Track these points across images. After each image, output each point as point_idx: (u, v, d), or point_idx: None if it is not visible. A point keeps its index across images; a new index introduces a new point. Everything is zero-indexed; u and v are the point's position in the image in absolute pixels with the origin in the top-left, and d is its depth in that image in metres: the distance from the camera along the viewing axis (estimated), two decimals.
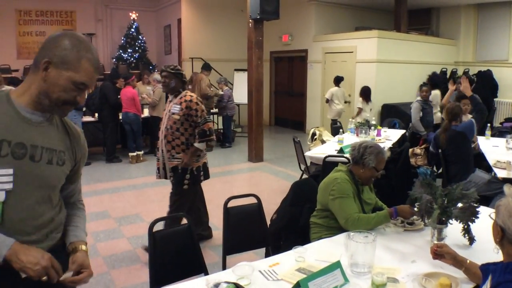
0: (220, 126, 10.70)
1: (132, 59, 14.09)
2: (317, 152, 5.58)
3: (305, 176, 5.90)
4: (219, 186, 6.54)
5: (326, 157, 4.72)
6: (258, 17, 8.07)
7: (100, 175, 7.65)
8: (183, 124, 4.16)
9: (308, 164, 5.72)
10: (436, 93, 8.16)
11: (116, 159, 8.54)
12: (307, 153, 5.62)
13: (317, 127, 7.38)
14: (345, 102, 9.68)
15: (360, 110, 8.82)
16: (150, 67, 14.00)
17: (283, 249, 2.97)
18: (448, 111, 5.00)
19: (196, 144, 4.16)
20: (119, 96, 8.25)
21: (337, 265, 2.18)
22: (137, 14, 14.48)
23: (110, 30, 15.52)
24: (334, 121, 8.82)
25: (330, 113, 9.30)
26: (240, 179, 7.57)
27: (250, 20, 8.34)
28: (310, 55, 12.09)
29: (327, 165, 4.47)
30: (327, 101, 9.31)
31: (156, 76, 8.89)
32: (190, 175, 4.25)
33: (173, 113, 4.18)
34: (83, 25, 15.00)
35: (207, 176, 4.45)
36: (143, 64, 13.98)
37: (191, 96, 4.21)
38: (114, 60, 14.52)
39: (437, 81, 8.55)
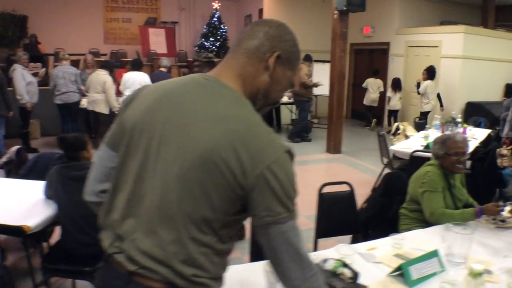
0: (294, 117, 10.82)
1: (213, 47, 14.49)
2: (401, 146, 5.63)
3: (387, 170, 5.96)
4: (298, 175, 6.64)
5: (413, 152, 4.77)
6: (344, 8, 8.10)
7: None
8: None
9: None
10: None
11: None
12: (392, 147, 5.68)
13: (401, 122, 7.37)
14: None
15: (389, 99, 10.73)
16: None
17: (370, 238, 3.11)
18: None
19: None
20: None
21: (435, 254, 2.30)
22: (219, 4, 14.85)
23: (193, 19, 16.03)
24: (421, 117, 8.80)
25: (425, 107, 9.29)
26: (318, 169, 7.70)
27: (336, 12, 8.38)
28: (392, 48, 11.95)
29: (415, 160, 4.53)
30: (419, 93, 9.30)
31: None
32: None
33: None
34: (167, 14, 15.61)
35: None
36: (223, 53, 14.35)
37: None
38: (196, 48, 15.00)
39: None
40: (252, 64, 1.39)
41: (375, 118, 11.55)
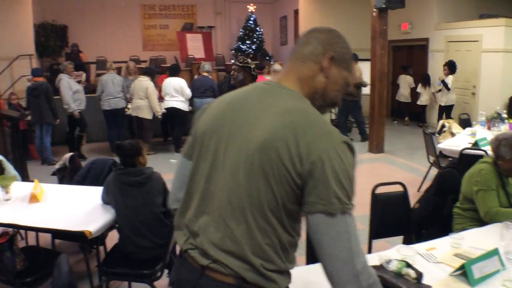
0: (333, 117, 10.78)
1: (250, 50, 14.57)
2: (448, 144, 5.53)
3: (433, 169, 5.88)
4: None
5: (463, 149, 4.68)
6: (383, 6, 8.02)
7: None
8: None
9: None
10: None
11: None
12: (440, 145, 5.57)
13: (447, 120, 7.24)
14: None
15: (419, 94, 10.96)
16: (267, 58, 14.40)
17: (424, 238, 3.08)
18: None
19: None
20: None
21: (495, 252, 2.27)
22: (254, 7, 14.92)
23: (229, 23, 16.17)
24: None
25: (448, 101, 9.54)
26: (362, 169, 7.60)
27: (375, 9, 8.30)
28: (431, 44, 11.73)
29: (464, 158, 4.45)
30: (448, 89, 9.39)
31: (276, 66, 9.18)
32: None
33: None
34: (203, 18, 15.79)
35: None
36: (260, 55, 14.40)
37: None
38: (233, 51, 15.11)
39: None
40: (308, 67, 1.48)
41: (407, 114, 11.63)
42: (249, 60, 4.44)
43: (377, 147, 8.56)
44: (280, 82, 1.49)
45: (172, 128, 8.87)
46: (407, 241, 3.28)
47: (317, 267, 2.03)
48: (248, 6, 14.91)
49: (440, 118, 9.33)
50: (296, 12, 13.62)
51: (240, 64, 4.41)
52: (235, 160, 1.39)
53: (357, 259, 1.29)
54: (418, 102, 11.10)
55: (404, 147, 9.03)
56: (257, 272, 1.35)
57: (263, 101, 1.44)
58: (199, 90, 8.42)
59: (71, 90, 7.85)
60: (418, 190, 5.70)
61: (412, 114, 11.72)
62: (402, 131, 10.99)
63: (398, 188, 3.31)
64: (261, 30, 14.91)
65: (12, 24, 11.02)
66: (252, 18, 14.83)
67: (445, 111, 9.68)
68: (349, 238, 1.28)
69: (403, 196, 3.27)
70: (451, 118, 9.55)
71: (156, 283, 3.08)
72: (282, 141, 1.31)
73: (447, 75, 9.35)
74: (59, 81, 7.96)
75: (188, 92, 8.35)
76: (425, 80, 10.93)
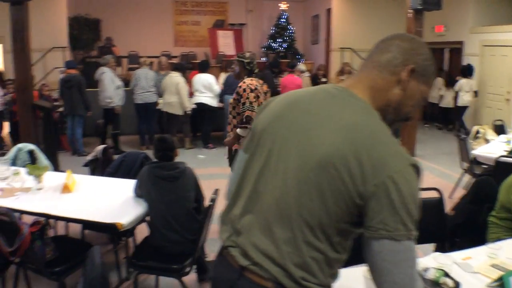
0: None
1: (281, 48, 14.52)
2: (483, 151, 5.40)
3: (466, 175, 5.75)
4: None
5: (499, 157, 4.57)
6: (419, 7, 7.89)
7: None
8: (235, 108, 4.18)
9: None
10: None
11: None
12: (475, 152, 5.44)
13: (481, 125, 7.08)
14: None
15: (441, 97, 10.95)
16: (298, 57, 14.34)
17: (457, 246, 3.01)
18: None
19: (237, 130, 4.07)
20: (278, 84, 8.67)
21: None
22: (287, 5, 14.86)
23: (260, 20, 16.15)
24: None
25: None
26: None
27: (410, 10, 8.17)
28: (466, 47, 11.50)
29: (501, 166, 4.34)
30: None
31: (300, 66, 9.16)
32: (229, 154, 4.27)
33: (232, 98, 4.26)
34: (235, 16, 15.82)
35: None
36: (291, 54, 14.35)
37: (244, 83, 4.15)
38: (263, 49, 15.09)
39: None
40: (383, 77, 1.37)
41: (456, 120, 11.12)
42: (246, 55, 4.37)
43: (408, 152, 8.38)
44: (350, 89, 1.40)
45: (201, 123, 8.91)
46: (439, 249, 3.21)
47: (360, 271, 2.03)
48: (280, 4, 14.86)
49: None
50: (328, 11, 13.52)
51: (237, 58, 4.38)
52: (289, 166, 1.34)
53: (416, 283, 1.25)
54: (442, 104, 11.04)
55: (435, 152, 8.86)
56: (296, 282, 1.31)
57: (328, 108, 1.36)
58: (232, 87, 8.41)
59: (113, 84, 7.94)
60: (450, 197, 5.58)
61: (437, 117, 11.60)
62: (435, 135, 10.81)
63: (431, 193, 3.23)
64: (293, 28, 14.85)
65: (47, 17, 11.23)
66: (283, 16, 14.78)
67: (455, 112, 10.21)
68: (412, 265, 1.24)
69: (438, 202, 3.20)
70: (461, 120, 10.15)
71: (184, 279, 3.08)
72: (345, 158, 1.24)
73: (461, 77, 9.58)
74: (101, 74, 8.05)
75: (216, 88, 8.39)
76: (454, 80, 10.66)
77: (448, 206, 3.52)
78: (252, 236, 1.38)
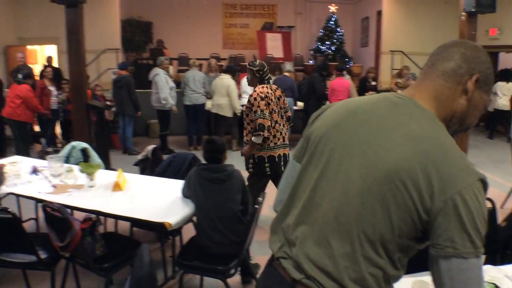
0: None
1: (329, 51, 14.40)
2: None
3: None
4: None
5: None
6: (473, 10, 7.63)
7: None
8: (248, 115, 4.30)
9: None
10: None
11: None
12: None
13: None
14: None
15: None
16: (346, 59, 14.18)
17: (509, 259, 2.89)
18: None
19: (252, 138, 4.19)
20: (326, 87, 8.59)
21: None
22: (336, 7, 14.73)
23: (309, 23, 16.08)
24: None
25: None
26: None
27: (463, 13, 7.93)
28: None
29: None
30: None
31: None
32: (253, 161, 4.36)
33: (245, 106, 4.40)
34: (283, 18, 15.83)
35: (273, 170, 4.33)
36: (339, 57, 14.20)
37: (255, 91, 4.28)
38: (311, 52, 15.02)
39: None
40: (449, 87, 1.33)
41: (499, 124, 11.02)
42: (256, 63, 4.47)
43: None
44: (413, 98, 1.36)
45: None
46: (490, 262, 3.09)
47: (408, 281, 1.97)
48: (329, 7, 14.74)
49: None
50: (379, 13, 13.32)
51: (248, 67, 4.51)
52: (351, 177, 1.30)
53: None
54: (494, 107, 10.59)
55: (487, 160, 8.56)
56: None
57: (392, 118, 1.32)
58: (281, 87, 8.45)
59: (168, 85, 8.08)
60: (502, 207, 5.38)
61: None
62: (487, 142, 10.44)
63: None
64: (342, 31, 14.69)
65: (100, 20, 11.61)
66: (333, 19, 14.65)
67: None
68: (479, 283, 1.19)
69: (491, 213, 3.08)
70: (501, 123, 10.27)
71: (228, 280, 3.09)
72: (413, 172, 1.20)
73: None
74: (155, 76, 8.23)
75: None
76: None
77: (500, 217, 3.40)
78: (306, 248, 1.34)
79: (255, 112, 4.17)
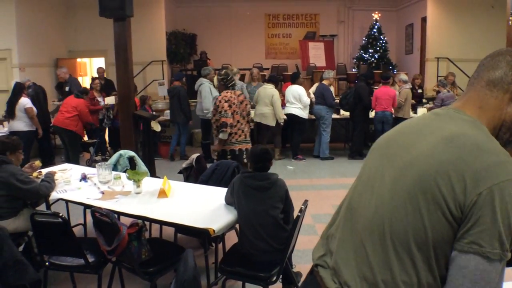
0: None
1: (372, 59, 14.26)
2: None
3: None
4: None
5: None
6: None
7: (344, 170, 8.03)
8: (215, 115, 5.23)
9: None
10: None
11: (359, 157, 8.74)
12: None
13: None
14: None
15: None
16: (390, 67, 14.00)
17: None
18: None
19: (219, 135, 5.13)
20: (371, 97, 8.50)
21: None
22: (379, 15, 14.58)
23: (351, 31, 15.96)
24: None
25: None
26: None
27: (510, 18, 7.72)
28: None
29: None
30: None
31: (402, 76, 8.86)
32: (217, 154, 5.32)
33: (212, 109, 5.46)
34: (326, 27, 15.78)
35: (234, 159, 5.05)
36: (383, 64, 14.03)
37: (220, 95, 5.22)
38: (354, 60, 14.90)
39: None
40: (496, 96, 1.30)
41: None
42: (222, 72, 5.40)
43: None
44: (459, 109, 1.34)
45: (291, 134, 8.98)
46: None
47: None
48: (372, 14, 14.60)
49: None
50: (423, 19, 13.09)
51: (218, 76, 5.43)
52: (385, 180, 1.30)
53: None
54: None
55: None
56: None
57: (431, 124, 1.32)
58: (322, 97, 8.54)
59: (212, 96, 8.16)
60: None
61: None
62: None
63: None
64: (385, 38, 14.51)
65: (147, 32, 11.92)
66: (376, 26, 14.49)
67: None
68: None
69: None
70: None
71: (270, 287, 3.11)
72: (444, 170, 1.16)
73: None
74: (199, 86, 8.38)
75: (305, 99, 8.42)
76: None
77: None
78: (343, 254, 1.35)
79: (220, 112, 5.09)
